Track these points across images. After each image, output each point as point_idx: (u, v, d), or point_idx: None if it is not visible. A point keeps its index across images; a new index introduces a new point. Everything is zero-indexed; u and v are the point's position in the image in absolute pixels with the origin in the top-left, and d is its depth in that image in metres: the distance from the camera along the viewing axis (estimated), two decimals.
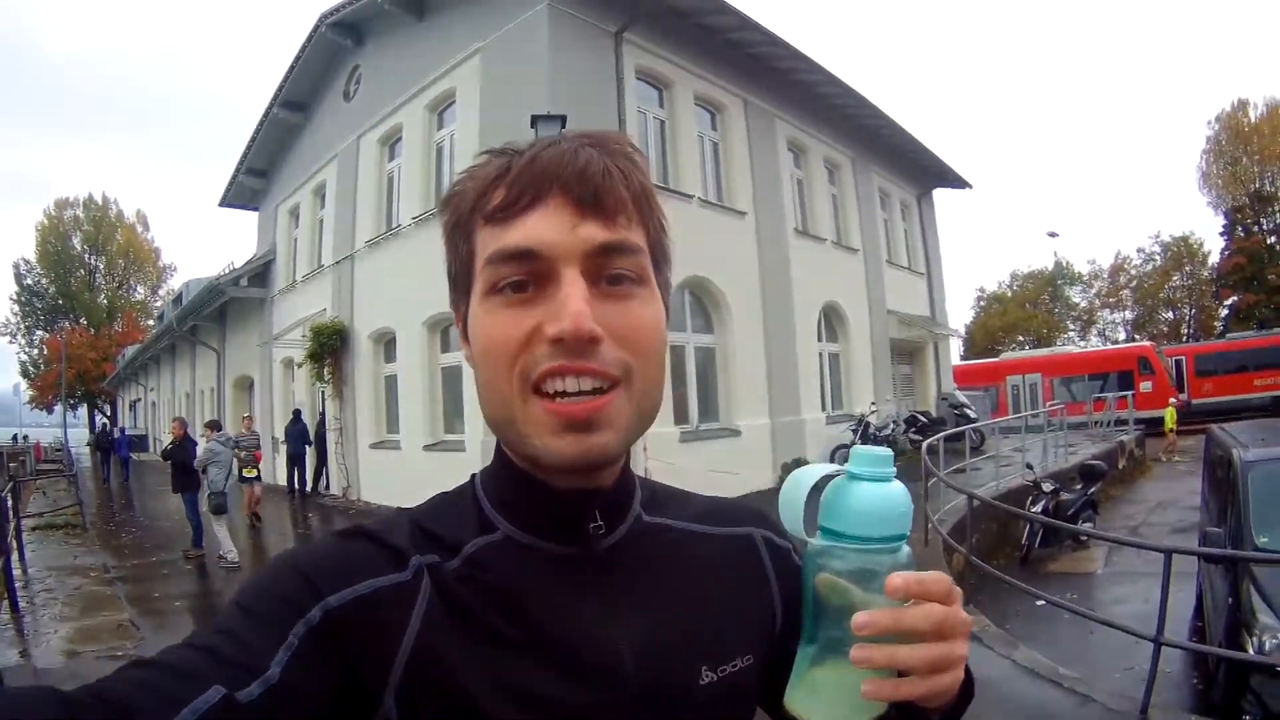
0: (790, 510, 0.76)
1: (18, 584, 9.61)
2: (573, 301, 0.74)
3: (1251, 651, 5.53)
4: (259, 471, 14.45)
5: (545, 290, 0.77)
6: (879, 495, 0.72)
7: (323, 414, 19.90)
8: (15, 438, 48.67)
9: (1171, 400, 28.22)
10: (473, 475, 0.95)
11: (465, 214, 0.84)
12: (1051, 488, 12.65)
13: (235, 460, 12.31)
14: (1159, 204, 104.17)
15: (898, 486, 0.73)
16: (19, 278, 58.23)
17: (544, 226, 0.77)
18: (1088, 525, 12.15)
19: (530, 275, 0.78)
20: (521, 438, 0.79)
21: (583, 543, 0.86)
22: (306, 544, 0.85)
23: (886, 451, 0.74)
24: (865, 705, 0.72)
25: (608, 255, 0.78)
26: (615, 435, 0.79)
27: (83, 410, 60.71)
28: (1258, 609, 5.74)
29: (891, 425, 19.03)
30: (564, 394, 0.76)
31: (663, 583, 0.91)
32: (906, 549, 0.74)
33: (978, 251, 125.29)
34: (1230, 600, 6.20)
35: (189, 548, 12.26)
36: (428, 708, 0.75)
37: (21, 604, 9.09)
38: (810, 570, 0.75)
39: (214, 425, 12.84)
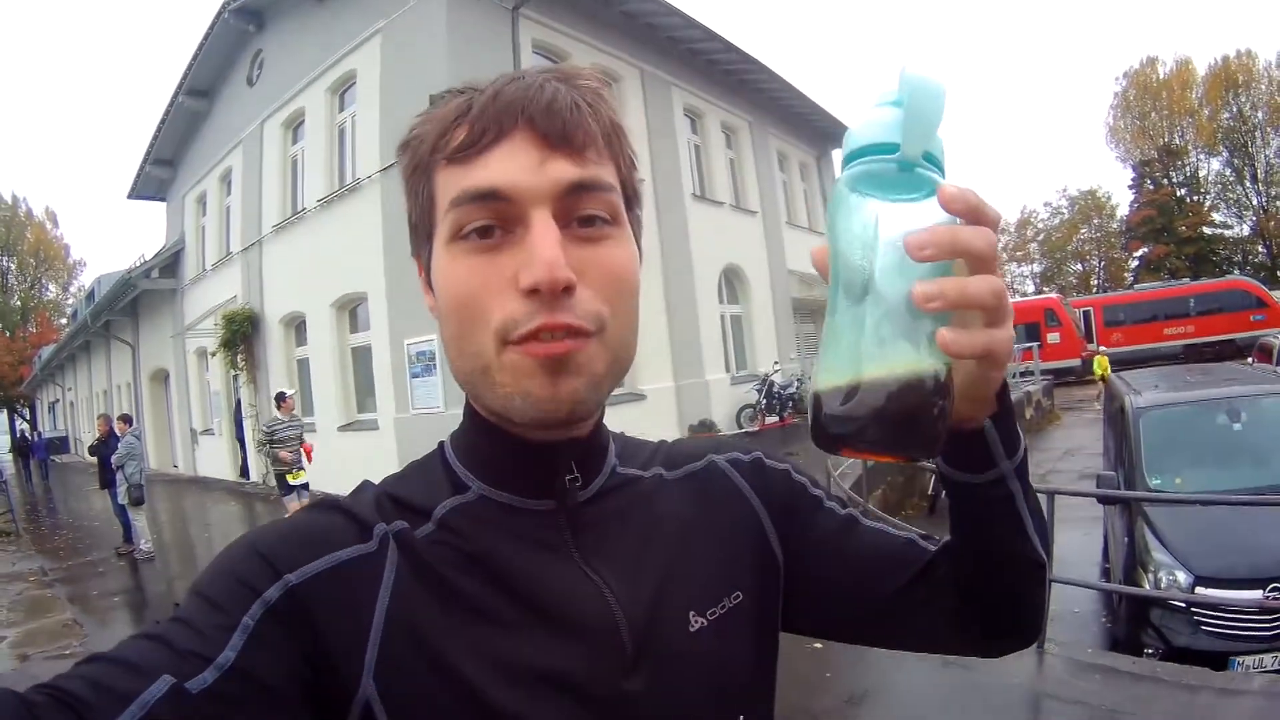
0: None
1: None
2: (546, 247, 0.71)
3: (1148, 587, 5.88)
4: (306, 472, 10.96)
5: (513, 234, 0.75)
6: (902, 90, 0.61)
7: (238, 402, 19.87)
8: None
9: (1101, 347, 28.64)
10: (440, 442, 0.93)
11: (425, 156, 0.80)
12: None
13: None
14: (1065, 159, 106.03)
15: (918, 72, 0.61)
16: None
17: (510, 165, 0.74)
18: None
19: (497, 218, 0.75)
20: (495, 387, 0.76)
21: (559, 496, 0.85)
22: (265, 524, 0.81)
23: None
24: (923, 356, 0.62)
25: (578, 194, 0.75)
26: (587, 382, 0.76)
27: (2, 416, 59.30)
28: (1152, 547, 6.06)
29: (796, 383, 19.26)
30: (538, 338, 0.73)
31: (642, 532, 0.89)
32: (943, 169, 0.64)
33: None
34: (1127, 540, 6.51)
35: (120, 544, 12.35)
36: (409, 684, 0.73)
37: None
38: (838, 209, 0.65)
39: (127, 420, 12.82)
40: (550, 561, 0.82)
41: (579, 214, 0.76)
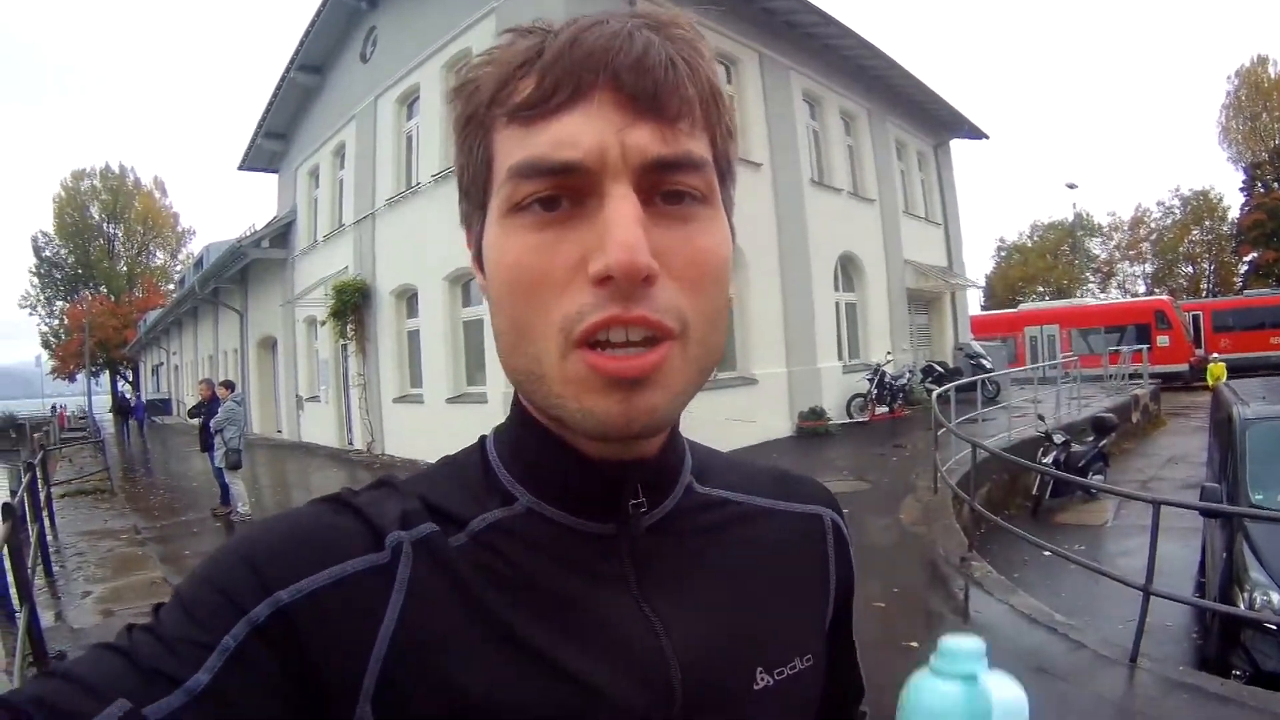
0: None
1: (50, 549, 9.80)
2: (621, 228, 0.60)
3: (1242, 607, 5.65)
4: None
5: (584, 207, 0.63)
6: (957, 698, 0.58)
7: (346, 370, 20.20)
8: (54, 408, 49.44)
9: (1216, 355, 28.14)
10: (482, 438, 0.82)
11: (481, 107, 0.68)
12: (1062, 439, 12.63)
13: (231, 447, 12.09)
14: (1179, 158, 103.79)
15: (993, 692, 0.58)
16: (37, 250, 58.73)
17: (586, 131, 0.62)
18: (1098, 478, 12.14)
19: (565, 190, 0.63)
20: (553, 396, 0.65)
21: (621, 520, 0.74)
22: (264, 522, 0.70)
23: (975, 643, 0.60)
24: None
25: (666, 171, 0.64)
26: (666, 397, 0.65)
27: (105, 378, 61.07)
28: (1250, 565, 5.87)
29: (908, 374, 19.02)
30: (609, 344, 0.62)
31: (715, 568, 0.78)
32: None
33: (997, 202, 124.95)
34: (1225, 556, 6.31)
35: (217, 506, 12.51)
36: (412, 715, 0.64)
37: (55, 568, 9.29)
38: None
39: (229, 385, 13.01)
40: (602, 593, 0.72)
41: (665, 189, 0.64)
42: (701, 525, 0.80)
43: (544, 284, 0.63)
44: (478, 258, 0.73)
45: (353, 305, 18.73)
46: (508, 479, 0.75)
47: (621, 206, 0.60)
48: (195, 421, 14.12)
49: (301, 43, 20.72)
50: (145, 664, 0.58)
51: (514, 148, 0.64)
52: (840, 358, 18.89)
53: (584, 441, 0.70)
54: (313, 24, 19.96)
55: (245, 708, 0.59)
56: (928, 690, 0.59)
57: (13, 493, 8.10)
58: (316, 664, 0.62)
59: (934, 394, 11.59)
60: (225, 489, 12.40)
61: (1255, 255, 48.69)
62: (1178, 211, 55.98)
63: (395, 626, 0.64)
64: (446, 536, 0.70)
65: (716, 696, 0.71)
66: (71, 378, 59.57)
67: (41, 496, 10.85)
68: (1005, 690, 0.57)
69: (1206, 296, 47.52)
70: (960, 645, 0.59)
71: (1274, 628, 5.42)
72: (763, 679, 0.74)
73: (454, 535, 0.70)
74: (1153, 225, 57.59)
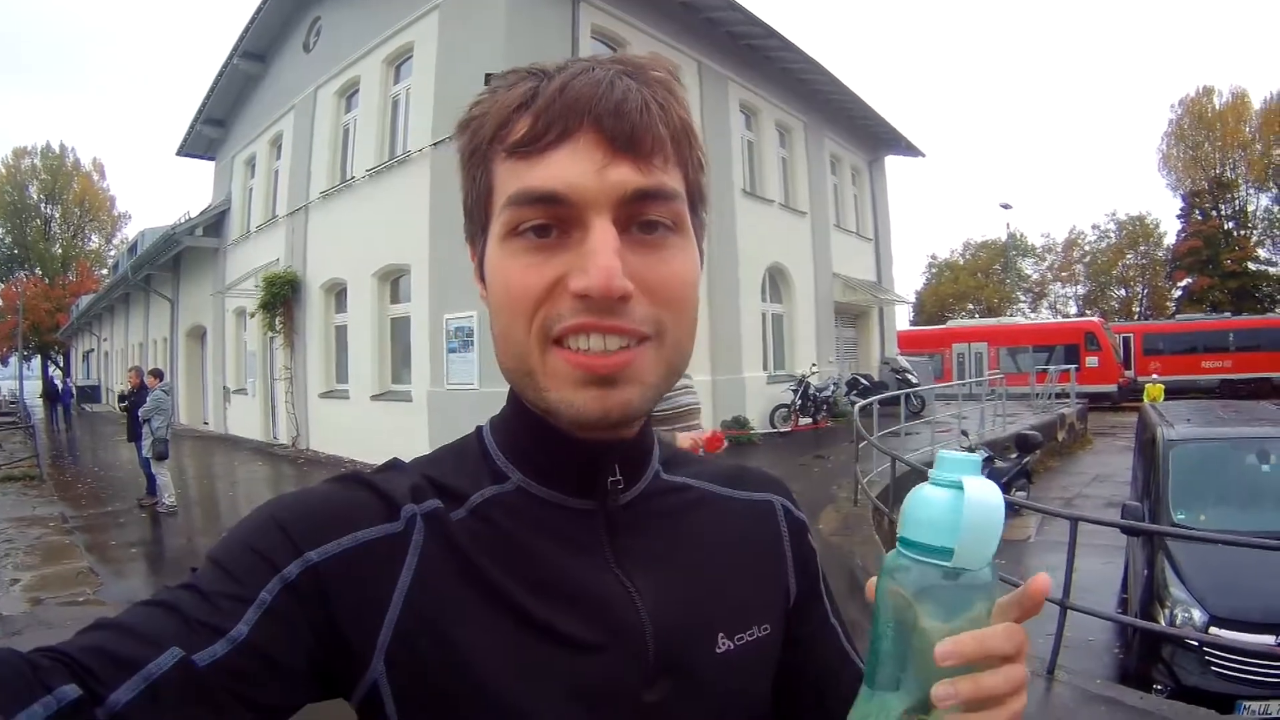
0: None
1: None
2: (602, 255, 0.69)
3: (1163, 623, 5.81)
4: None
5: (570, 236, 0.72)
6: (962, 503, 0.62)
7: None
8: None
9: (1155, 376, 28.62)
10: (478, 428, 0.91)
11: (484, 143, 0.77)
12: (985, 455, 12.66)
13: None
14: (1116, 183, 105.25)
15: (980, 494, 0.62)
16: None
17: (572, 167, 0.71)
18: (1020, 495, 12.31)
19: (555, 220, 0.72)
20: (539, 390, 0.75)
21: (600, 497, 0.83)
22: (292, 492, 0.78)
23: (968, 456, 0.65)
24: None
25: (642, 202, 0.73)
26: (640, 391, 0.74)
27: (36, 362, 59.88)
28: (1170, 583, 6.03)
29: (832, 387, 19.20)
30: (589, 351, 0.72)
31: (681, 543, 0.87)
32: (990, 568, 0.64)
33: (931, 219, 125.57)
34: (1147, 573, 6.47)
35: (143, 496, 12.38)
36: (419, 668, 0.72)
37: None
38: (884, 584, 0.66)
39: (157, 374, 12.80)
40: (583, 562, 0.81)
41: (641, 219, 0.74)
42: (669, 507, 0.89)
43: (531, 297, 0.72)
44: (479, 271, 0.82)
45: (282, 298, 18.56)
46: (502, 460, 0.85)
47: (602, 237, 0.70)
48: (124, 409, 13.97)
49: (246, 29, 20.45)
50: (192, 616, 0.65)
51: (510, 180, 0.74)
52: (765, 368, 19.00)
53: (569, 428, 0.78)
54: (259, 11, 19.70)
55: (278, 658, 0.66)
56: (919, 494, 0.65)
57: None
58: (340, 620, 0.71)
59: (856, 406, 11.71)
60: (151, 479, 12.27)
61: (1190, 281, 49.75)
62: (1113, 235, 57.01)
63: (408, 589, 0.73)
64: (448, 511, 0.79)
65: (685, 656, 0.80)
66: (3, 361, 58.32)
67: None
68: (982, 492, 0.62)
69: (1138, 320, 48.46)
70: (952, 455, 0.65)
71: (1194, 644, 5.58)
72: (724, 643, 0.84)
73: (455, 510, 0.80)
74: (1087, 248, 58.62)
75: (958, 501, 0.62)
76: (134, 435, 12.72)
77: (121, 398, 13.83)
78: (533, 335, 0.73)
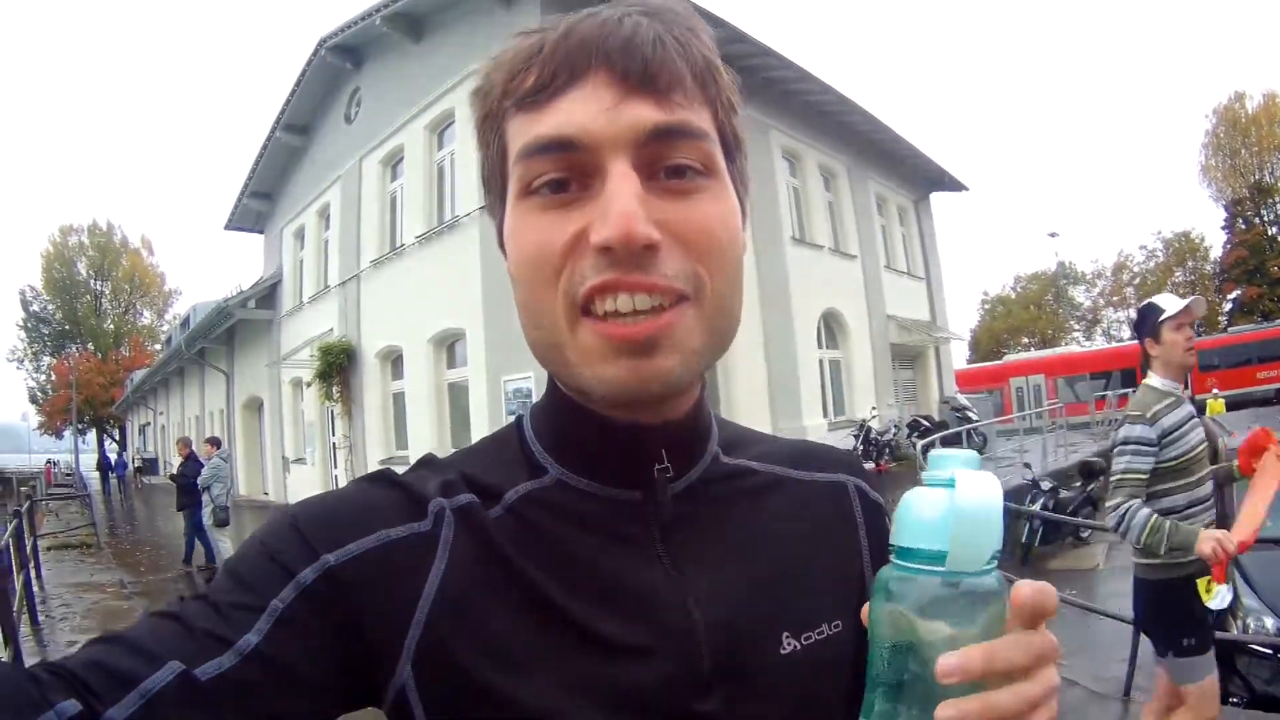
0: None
1: (36, 599, 9.77)
2: (620, 199, 0.63)
3: (1236, 633, 5.64)
4: None
5: (590, 188, 0.67)
6: (952, 500, 0.57)
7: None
8: (49, 463, 49.52)
9: (1216, 391, 28.16)
10: (518, 416, 0.85)
11: (494, 103, 0.73)
12: (1050, 486, 12.58)
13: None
14: (1161, 200, 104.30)
15: (971, 486, 0.57)
16: (25, 304, 58.19)
17: (583, 109, 0.66)
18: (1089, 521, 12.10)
19: (571, 170, 0.67)
20: (569, 366, 0.69)
21: (647, 487, 0.76)
22: (313, 496, 0.74)
23: (959, 452, 0.59)
24: None
25: (664, 141, 0.67)
26: (681, 358, 0.67)
27: (92, 435, 60.66)
28: (1242, 593, 5.85)
29: (893, 430, 18.96)
30: (617, 314, 0.65)
31: (741, 534, 0.79)
32: (994, 574, 0.58)
33: (980, 254, 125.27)
34: None
35: (204, 563, 12.45)
36: (450, 674, 0.67)
37: (41, 618, 9.27)
38: (877, 604, 0.60)
39: (214, 442, 12.96)
40: (630, 558, 0.74)
41: (666, 163, 0.68)
42: (727, 493, 0.81)
43: (551, 258, 0.67)
44: (501, 242, 0.76)
45: (338, 367, 18.71)
46: (540, 452, 0.79)
47: (621, 182, 0.64)
48: (171, 478, 14.34)
49: (287, 103, 20.86)
50: (197, 627, 0.62)
51: (521, 133, 0.69)
52: (825, 415, 18.79)
53: (608, 409, 0.73)
54: (298, 84, 20.11)
55: (294, 667, 0.63)
56: (909, 497, 0.60)
57: None
58: (362, 625, 0.67)
59: (919, 446, 11.56)
60: (192, 546, 12.53)
61: (1239, 292, 48.84)
62: (1160, 254, 56.26)
63: (437, 589, 0.69)
64: (483, 509, 0.74)
65: (743, 660, 0.73)
66: (59, 434, 59.19)
67: (28, 547, 10.83)
68: (973, 484, 0.56)
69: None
70: (946, 453, 0.60)
71: (1269, 651, 5.47)
72: (789, 644, 0.75)
73: (491, 506, 0.74)
74: (1136, 270, 57.72)
75: (949, 499, 0.57)
76: (182, 505, 12.89)
77: (173, 476, 14.01)
78: (559, 302, 0.67)
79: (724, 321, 0.71)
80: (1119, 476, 3.62)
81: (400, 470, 0.78)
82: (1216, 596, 3.46)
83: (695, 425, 0.80)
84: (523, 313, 0.72)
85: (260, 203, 25.08)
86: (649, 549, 0.75)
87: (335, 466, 20.05)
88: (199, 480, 12.12)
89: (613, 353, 0.66)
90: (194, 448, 13.03)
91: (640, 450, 0.75)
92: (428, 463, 0.80)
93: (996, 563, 0.58)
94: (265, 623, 0.63)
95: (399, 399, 17.70)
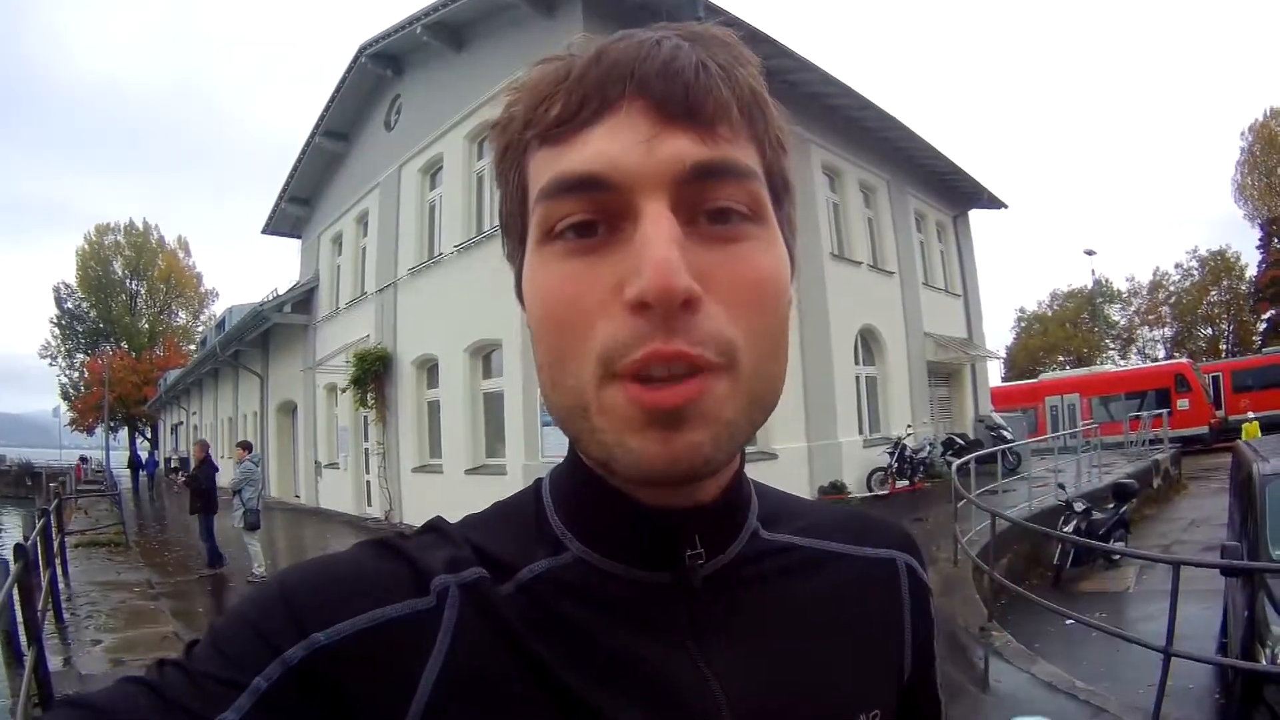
0: None
1: (62, 596, 9.82)
2: (657, 246, 0.55)
3: (1264, 663, 5.50)
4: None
5: (621, 232, 0.59)
6: None
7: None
8: (82, 459, 49.91)
9: (1251, 413, 27.87)
10: (537, 480, 0.78)
11: (516, 135, 0.65)
12: (1083, 507, 12.56)
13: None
14: (1197, 218, 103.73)
15: None
16: (59, 301, 58.93)
17: (614, 143, 0.58)
18: (1119, 545, 12.06)
19: (599, 212, 0.59)
20: (593, 432, 0.60)
21: (676, 569, 0.68)
22: (306, 562, 0.67)
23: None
24: None
25: (706, 181, 0.59)
26: (712, 434, 0.58)
27: (124, 433, 61.15)
28: (1272, 621, 5.67)
29: (928, 447, 18.84)
30: (649, 378, 0.57)
31: (778, 619, 0.72)
32: None
33: (1017, 272, 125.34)
34: (1246, 613, 6.17)
35: (206, 568, 12.66)
36: None
37: (66, 615, 9.33)
38: None
39: (246, 446, 13.02)
40: (655, 646, 0.66)
41: (708, 207, 0.59)
42: (764, 574, 0.74)
43: (579, 313, 0.59)
44: (519, 291, 0.68)
45: (373, 374, 18.78)
46: (559, 526, 0.71)
47: (656, 225, 0.57)
48: (186, 481, 14.52)
49: (327, 108, 21.09)
50: (172, 699, 0.56)
51: (544, 169, 0.62)
52: (861, 431, 18.71)
53: (636, 488, 0.65)
54: (338, 90, 20.33)
55: None
56: None
57: (25, 537, 8.14)
58: (353, 711, 0.59)
59: (954, 465, 11.52)
60: (212, 549, 12.61)
61: (1274, 312, 48.35)
62: (1196, 273, 55.72)
63: (439, 674, 0.61)
64: (493, 585, 0.66)
65: None
66: (90, 431, 59.64)
67: (55, 544, 10.89)
68: None
69: (1225, 357, 47.12)
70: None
71: None
72: None
73: (503, 584, 0.66)
74: (1171, 288, 57.26)
75: None
76: (195, 508, 12.98)
77: (189, 479, 14.09)
78: (586, 362, 0.58)
79: (764, 389, 0.62)
80: None
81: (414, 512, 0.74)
82: None
83: (732, 503, 0.72)
84: (543, 372, 0.63)
85: (298, 208, 25.32)
86: (675, 636, 0.68)
87: (368, 472, 20.16)
88: (230, 483, 12.24)
89: (642, 421, 0.57)
90: (209, 451, 13.11)
91: (671, 533, 0.68)
92: (435, 528, 0.72)
93: None
94: (246, 701, 0.56)
95: (434, 407, 17.75)
